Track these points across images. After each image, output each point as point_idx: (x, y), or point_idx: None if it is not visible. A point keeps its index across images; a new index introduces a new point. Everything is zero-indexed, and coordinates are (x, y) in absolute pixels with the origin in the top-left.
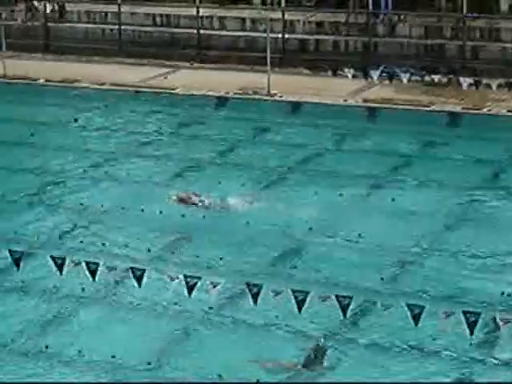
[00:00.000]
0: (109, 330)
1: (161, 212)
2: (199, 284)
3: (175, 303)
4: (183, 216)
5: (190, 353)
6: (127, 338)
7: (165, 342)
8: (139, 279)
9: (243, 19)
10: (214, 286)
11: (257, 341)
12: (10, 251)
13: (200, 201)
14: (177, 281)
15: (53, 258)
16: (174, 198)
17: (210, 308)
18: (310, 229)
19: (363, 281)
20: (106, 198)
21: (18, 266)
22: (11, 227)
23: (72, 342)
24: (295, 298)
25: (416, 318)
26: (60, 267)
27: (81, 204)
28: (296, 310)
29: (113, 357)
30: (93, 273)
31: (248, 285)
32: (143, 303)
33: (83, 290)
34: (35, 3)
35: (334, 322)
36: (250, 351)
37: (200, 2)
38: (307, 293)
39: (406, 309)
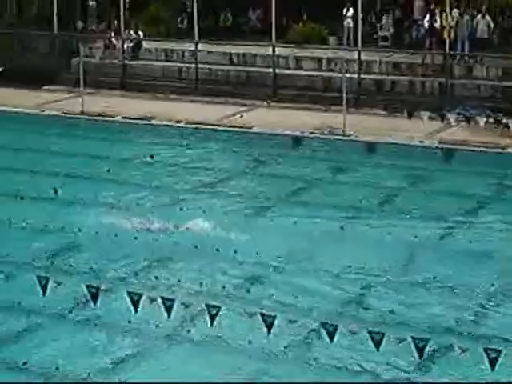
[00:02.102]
0: (183, 367)
1: (235, 251)
2: (276, 322)
3: (250, 341)
4: (257, 254)
5: None
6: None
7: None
8: (213, 318)
9: (319, 59)
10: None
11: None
12: (87, 286)
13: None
14: (253, 318)
15: (129, 293)
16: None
17: (286, 347)
18: (385, 271)
19: (439, 322)
20: (179, 234)
21: (94, 301)
22: (87, 262)
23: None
24: (371, 338)
25: (493, 363)
26: (135, 303)
27: (155, 240)
28: (373, 349)
29: None
30: (168, 309)
31: (323, 324)
32: (216, 341)
33: (157, 326)
34: (113, 41)
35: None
36: None
37: (276, 41)
38: (383, 334)
39: (483, 352)
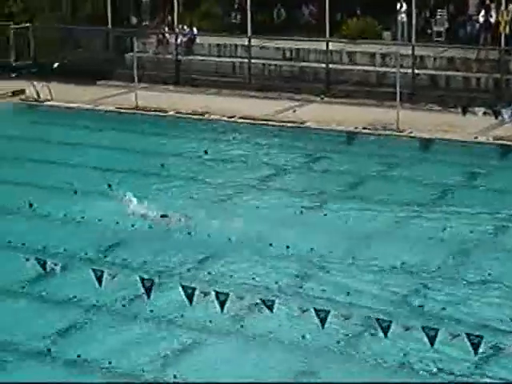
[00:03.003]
0: (236, 361)
1: (288, 247)
2: (329, 317)
3: (303, 336)
4: (312, 249)
5: None
6: (252, 370)
7: (289, 376)
8: (270, 309)
9: (373, 54)
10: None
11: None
12: (141, 280)
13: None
14: (307, 313)
15: (183, 287)
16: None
17: (338, 342)
18: (439, 268)
19: (494, 321)
20: (233, 229)
21: (148, 294)
22: (140, 257)
23: (198, 372)
24: (426, 334)
25: None
26: (190, 297)
27: (208, 236)
28: (428, 345)
29: None
30: (222, 303)
31: (378, 319)
32: (270, 335)
33: (211, 321)
34: (167, 36)
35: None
36: None
37: (330, 36)
38: (437, 329)
39: None
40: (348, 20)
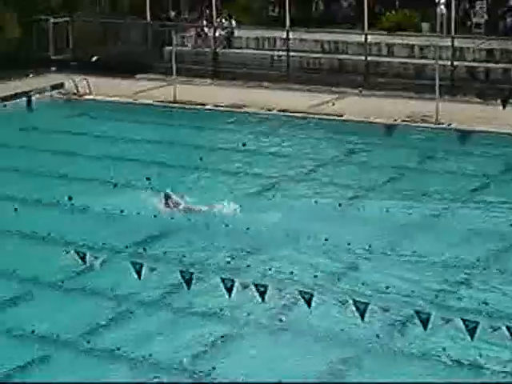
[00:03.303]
0: (274, 354)
1: (326, 240)
2: (369, 309)
3: (342, 329)
4: (350, 243)
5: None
6: (294, 362)
7: (328, 370)
8: (309, 302)
9: (411, 46)
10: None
11: (416, 371)
12: (180, 272)
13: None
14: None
15: (222, 279)
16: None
17: (377, 336)
18: (478, 260)
19: None
20: (272, 222)
21: (188, 286)
22: (179, 250)
23: (237, 366)
24: (466, 326)
25: None
26: (229, 290)
27: (247, 229)
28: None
29: (279, 382)
30: (262, 295)
31: (417, 312)
32: (307, 328)
33: (249, 314)
34: (205, 29)
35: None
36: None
37: (368, 28)
38: (477, 322)
39: None
40: (387, 12)
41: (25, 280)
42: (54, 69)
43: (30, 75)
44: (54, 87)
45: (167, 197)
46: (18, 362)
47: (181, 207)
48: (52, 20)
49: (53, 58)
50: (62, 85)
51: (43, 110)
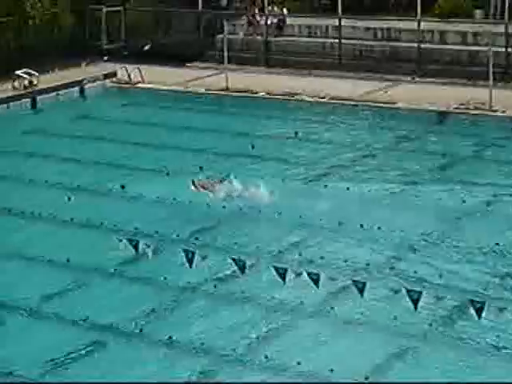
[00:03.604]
0: (326, 342)
1: (379, 228)
2: (423, 298)
3: (395, 318)
4: (403, 230)
5: (405, 371)
6: (345, 350)
7: (381, 359)
8: (361, 291)
9: (465, 33)
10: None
11: (467, 360)
12: (234, 259)
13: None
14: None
15: (275, 267)
16: (194, 186)
17: (430, 325)
18: None
19: None
20: (325, 211)
21: (242, 271)
22: (232, 238)
23: (289, 354)
24: None
25: None
26: (283, 277)
27: (300, 217)
28: None
29: (331, 370)
30: (315, 283)
31: (471, 301)
32: (362, 317)
33: (302, 302)
34: (257, 17)
35: None
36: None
37: (421, 15)
38: None
39: None
40: None
41: (78, 267)
42: (106, 58)
43: (83, 64)
44: (106, 76)
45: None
46: (71, 349)
47: (211, 190)
48: (105, 9)
49: (105, 47)
50: (114, 74)
51: (96, 99)
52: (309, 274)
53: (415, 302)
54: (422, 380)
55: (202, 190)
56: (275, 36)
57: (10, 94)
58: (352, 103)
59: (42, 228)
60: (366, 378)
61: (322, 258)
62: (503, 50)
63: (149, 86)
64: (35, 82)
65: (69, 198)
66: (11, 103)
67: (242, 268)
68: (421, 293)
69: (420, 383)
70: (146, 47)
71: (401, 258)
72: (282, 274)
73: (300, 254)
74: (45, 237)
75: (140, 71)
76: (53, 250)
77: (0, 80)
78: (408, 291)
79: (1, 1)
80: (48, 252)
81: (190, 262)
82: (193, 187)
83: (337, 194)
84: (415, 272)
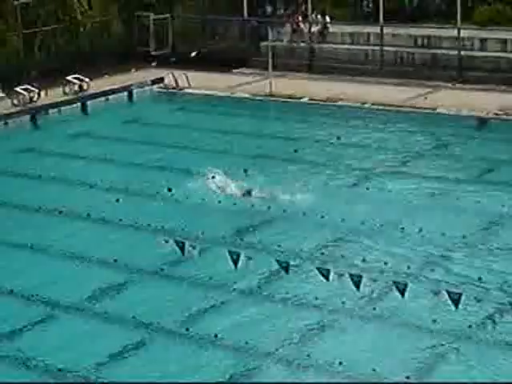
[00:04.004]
0: (369, 343)
1: (420, 230)
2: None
3: (434, 320)
4: (444, 234)
5: (448, 372)
6: (387, 351)
7: (424, 359)
8: (402, 292)
9: (505, 41)
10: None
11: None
12: (277, 261)
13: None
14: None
15: (318, 269)
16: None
17: (470, 326)
18: None
19: None
20: (366, 213)
21: (287, 271)
22: (276, 239)
23: (332, 354)
24: None
25: None
26: (326, 277)
27: (342, 220)
28: None
29: (373, 370)
30: (356, 284)
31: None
32: (404, 318)
33: (343, 303)
34: (300, 25)
35: None
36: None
37: (461, 23)
38: None
39: None
40: (479, 6)
41: (126, 267)
42: (154, 64)
43: (132, 70)
44: (154, 81)
45: (213, 177)
46: (117, 347)
47: (229, 189)
48: (153, 16)
49: (153, 53)
50: (161, 79)
51: (144, 104)
52: (351, 276)
53: (456, 303)
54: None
55: (219, 187)
56: (318, 43)
57: (61, 98)
58: (393, 108)
59: (91, 228)
60: (407, 378)
61: (363, 260)
62: None
63: (195, 91)
64: (85, 87)
65: (117, 200)
66: (62, 107)
67: (286, 269)
68: (461, 294)
69: (421, 383)
70: (193, 54)
71: (442, 259)
72: (325, 274)
73: (342, 256)
74: (94, 237)
75: (187, 77)
76: (102, 250)
77: (51, 85)
78: (448, 292)
79: (53, 9)
80: (97, 251)
81: (235, 262)
82: (210, 184)
83: (378, 196)
84: (455, 274)
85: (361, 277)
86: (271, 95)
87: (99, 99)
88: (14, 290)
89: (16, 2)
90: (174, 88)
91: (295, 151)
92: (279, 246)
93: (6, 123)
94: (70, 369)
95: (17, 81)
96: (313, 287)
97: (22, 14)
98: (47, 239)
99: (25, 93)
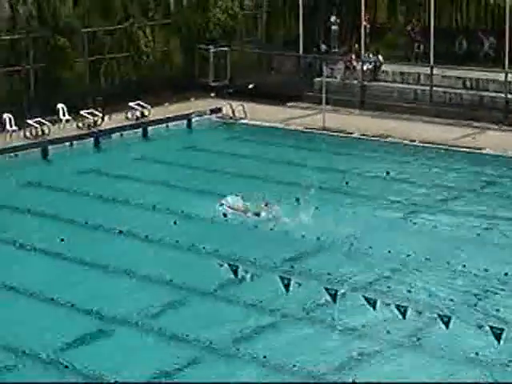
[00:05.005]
0: (410, 373)
1: (464, 265)
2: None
3: (477, 353)
4: (487, 269)
5: None
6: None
7: None
8: (447, 324)
9: None
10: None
11: None
12: (326, 289)
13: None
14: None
15: (365, 297)
16: (222, 208)
17: (511, 361)
18: None
19: None
20: (412, 247)
21: (334, 300)
22: (325, 268)
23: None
24: None
25: None
26: (373, 305)
27: (388, 252)
28: None
29: None
30: (402, 314)
31: None
32: (444, 349)
33: (388, 332)
34: (353, 63)
35: None
36: None
37: (509, 67)
38: None
39: None
40: None
41: (180, 287)
42: (213, 94)
43: (192, 99)
44: (212, 111)
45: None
46: (170, 364)
47: (239, 213)
48: (212, 49)
49: (212, 84)
50: (219, 109)
51: (202, 132)
52: (397, 306)
53: (498, 338)
54: None
55: (229, 211)
56: (370, 81)
57: (124, 123)
58: (441, 147)
59: (149, 249)
60: None
61: (409, 291)
62: None
63: (251, 121)
64: (146, 114)
65: (174, 222)
66: (124, 132)
67: (334, 297)
68: (503, 329)
69: (420, 383)
70: (250, 86)
71: (485, 294)
72: (372, 303)
73: (388, 287)
74: (152, 257)
75: (244, 108)
76: (159, 270)
77: (115, 110)
78: (491, 327)
79: (118, 38)
80: (154, 271)
81: (287, 288)
82: (221, 208)
83: (424, 231)
84: (497, 310)
85: (406, 307)
86: (324, 129)
87: (160, 125)
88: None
89: (84, 30)
90: (231, 118)
91: (346, 183)
92: (329, 274)
93: (71, 144)
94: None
95: (82, 105)
96: (359, 315)
97: (89, 42)
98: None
99: (89, 116)
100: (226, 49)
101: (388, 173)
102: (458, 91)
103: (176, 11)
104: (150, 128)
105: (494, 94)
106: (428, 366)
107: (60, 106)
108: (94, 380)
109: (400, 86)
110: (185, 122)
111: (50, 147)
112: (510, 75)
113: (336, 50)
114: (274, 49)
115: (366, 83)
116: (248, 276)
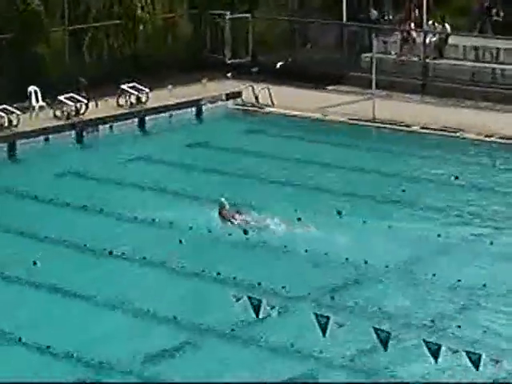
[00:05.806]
0: None
1: None
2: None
3: None
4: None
5: None
6: None
7: None
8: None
9: None
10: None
11: None
12: (375, 330)
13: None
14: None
15: (426, 342)
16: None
17: None
18: None
19: None
20: (489, 275)
21: (385, 346)
22: (373, 300)
23: None
24: None
25: None
26: (435, 354)
27: (458, 281)
28: None
29: None
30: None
31: None
32: None
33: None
34: (413, 34)
35: None
36: None
37: None
38: None
39: None
40: None
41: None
42: (229, 75)
43: (203, 81)
44: (229, 96)
45: (222, 207)
46: None
47: (238, 221)
48: (229, 16)
49: (228, 62)
50: (238, 94)
51: (215, 124)
52: (468, 354)
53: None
54: None
55: (226, 219)
56: (434, 58)
57: (114, 112)
58: None
59: (147, 275)
60: None
61: (484, 332)
62: None
63: (279, 110)
64: (144, 100)
65: (180, 241)
66: (114, 124)
67: (385, 342)
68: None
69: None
70: (279, 64)
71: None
72: (434, 352)
73: (458, 327)
74: (151, 286)
75: (270, 92)
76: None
77: (103, 95)
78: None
79: (107, 1)
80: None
81: (324, 329)
82: (218, 216)
83: (508, 254)
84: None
85: (480, 355)
86: (374, 120)
87: (161, 115)
88: None
89: None
90: (253, 105)
91: (403, 191)
92: (379, 309)
93: (46, 139)
94: None
95: (60, 88)
96: (419, 363)
97: (69, 6)
98: None
99: (70, 103)
100: (247, 15)
101: (457, 177)
102: None
103: None
104: (148, 118)
105: None
106: None
107: (32, 89)
108: None
109: (473, 64)
110: (193, 110)
111: (18, 142)
112: None
113: (390, 18)
114: (310, 16)
115: (428, 61)
116: (274, 313)
